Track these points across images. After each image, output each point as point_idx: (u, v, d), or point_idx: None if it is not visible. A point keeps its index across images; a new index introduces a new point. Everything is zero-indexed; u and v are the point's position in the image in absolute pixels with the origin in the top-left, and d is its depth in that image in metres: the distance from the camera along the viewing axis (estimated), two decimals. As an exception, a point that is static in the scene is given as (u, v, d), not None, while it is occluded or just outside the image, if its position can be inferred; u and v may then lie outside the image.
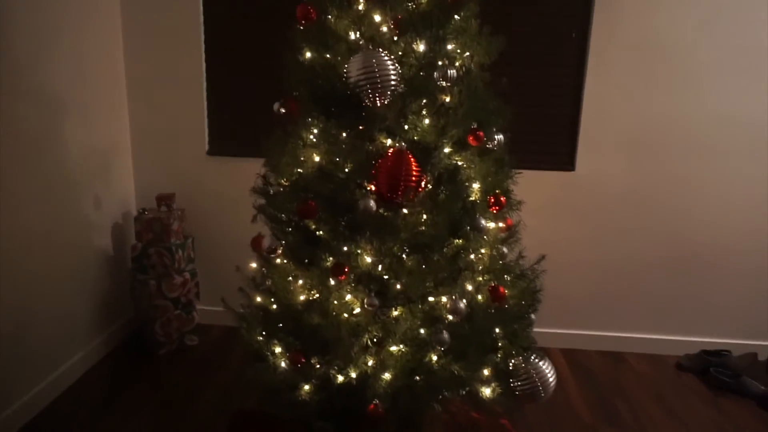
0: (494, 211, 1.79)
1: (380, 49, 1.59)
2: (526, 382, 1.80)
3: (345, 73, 1.62)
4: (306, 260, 1.77)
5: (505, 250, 1.88)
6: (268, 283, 1.93)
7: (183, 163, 3.06)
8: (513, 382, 1.82)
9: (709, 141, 2.82)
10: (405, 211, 1.65)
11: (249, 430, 2.19)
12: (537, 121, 2.88)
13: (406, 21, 1.66)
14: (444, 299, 1.68)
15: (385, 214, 1.64)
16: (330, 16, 1.70)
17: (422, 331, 1.70)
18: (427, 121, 1.66)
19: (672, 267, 2.97)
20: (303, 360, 1.73)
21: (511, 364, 1.81)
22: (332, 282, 1.68)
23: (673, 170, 2.87)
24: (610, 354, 3.05)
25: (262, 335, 1.87)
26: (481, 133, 1.69)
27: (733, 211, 2.89)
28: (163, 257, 2.76)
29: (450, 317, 1.66)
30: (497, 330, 1.83)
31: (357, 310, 1.68)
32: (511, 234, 1.92)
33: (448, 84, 1.65)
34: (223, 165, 3.04)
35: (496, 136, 1.77)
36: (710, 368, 2.78)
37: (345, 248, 1.66)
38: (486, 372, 1.77)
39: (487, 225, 1.75)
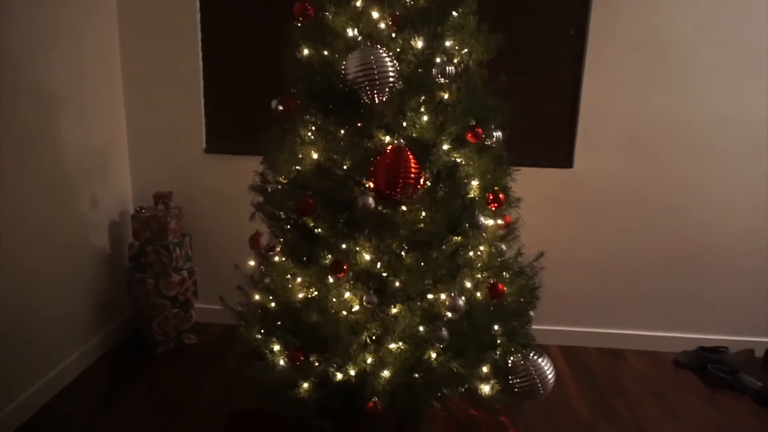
0: (493, 208, 1.79)
1: (378, 46, 1.59)
2: (524, 379, 1.81)
3: (343, 70, 1.62)
4: (304, 258, 1.77)
5: (503, 247, 1.88)
6: (267, 280, 1.92)
7: (180, 161, 3.05)
8: (512, 379, 1.82)
9: (709, 140, 2.82)
10: (404, 208, 1.65)
11: (248, 428, 2.18)
12: (535, 119, 2.88)
13: (404, 17, 1.65)
14: (443, 296, 1.68)
15: (384, 211, 1.64)
16: (327, 13, 1.69)
17: (421, 328, 1.70)
18: (425, 118, 1.65)
19: (670, 265, 2.98)
20: (302, 358, 1.73)
21: (509, 362, 1.81)
22: (331, 279, 1.68)
23: (673, 169, 2.87)
24: (608, 351, 3.06)
25: (260, 333, 1.87)
26: (480, 130, 1.69)
27: (733, 210, 2.89)
28: (161, 255, 2.76)
29: (449, 314, 1.66)
30: (496, 327, 1.83)
31: (356, 308, 1.68)
32: (509, 231, 1.93)
33: (447, 81, 1.65)
34: (221, 163, 3.03)
35: (494, 133, 1.77)
36: (708, 365, 2.79)
37: (344, 246, 1.66)
38: (485, 369, 1.77)
39: (486, 222, 1.75)
